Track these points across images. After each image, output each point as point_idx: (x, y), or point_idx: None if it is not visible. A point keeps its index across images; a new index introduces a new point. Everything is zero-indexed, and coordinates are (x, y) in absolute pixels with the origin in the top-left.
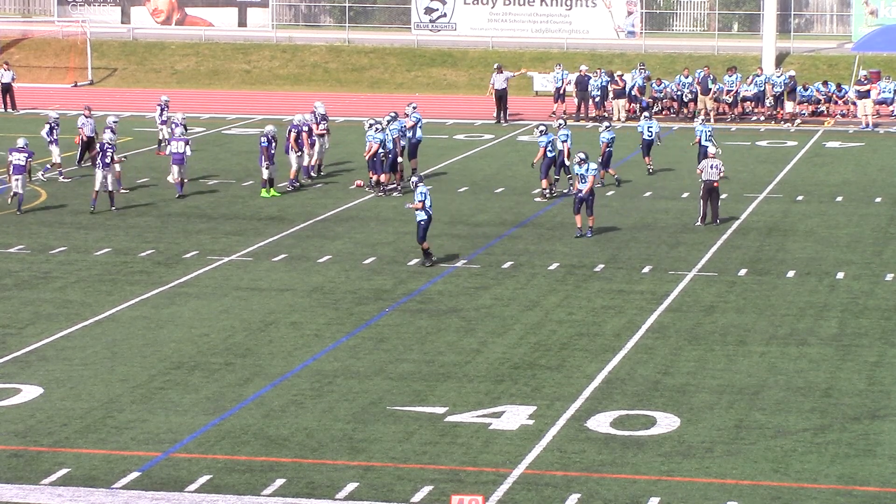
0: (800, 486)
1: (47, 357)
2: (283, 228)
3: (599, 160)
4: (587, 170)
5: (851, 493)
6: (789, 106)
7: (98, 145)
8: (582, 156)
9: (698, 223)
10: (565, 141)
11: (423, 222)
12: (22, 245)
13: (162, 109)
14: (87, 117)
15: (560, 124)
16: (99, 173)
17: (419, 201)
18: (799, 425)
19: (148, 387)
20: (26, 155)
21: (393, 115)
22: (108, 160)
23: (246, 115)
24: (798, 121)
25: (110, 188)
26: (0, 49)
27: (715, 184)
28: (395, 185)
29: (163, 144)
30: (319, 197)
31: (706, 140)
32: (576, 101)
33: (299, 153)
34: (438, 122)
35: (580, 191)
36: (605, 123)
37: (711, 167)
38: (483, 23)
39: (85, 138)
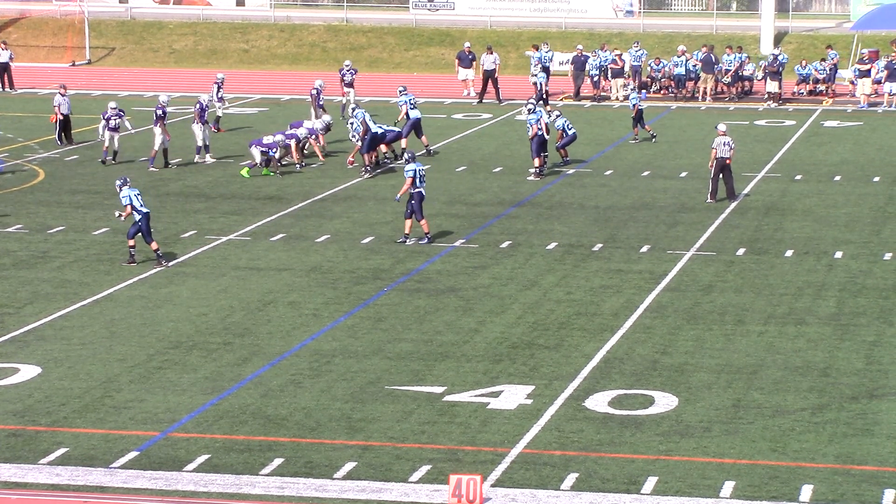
0: (797, 465)
1: (45, 337)
2: (281, 208)
3: (557, 145)
4: (406, 171)
5: (849, 472)
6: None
7: None
8: (407, 155)
9: (709, 200)
10: (536, 123)
11: (139, 222)
12: (20, 224)
13: (219, 87)
14: (62, 95)
15: (531, 106)
16: None
17: (127, 205)
18: (797, 405)
19: (146, 366)
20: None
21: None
22: None
23: (244, 94)
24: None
25: None
26: None
27: (728, 160)
28: (368, 165)
29: (220, 121)
30: (317, 177)
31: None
32: (572, 80)
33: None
34: (436, 102)
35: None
36: (556, 113)
37: (724, 144)
38: (481, 2)
39: (61, 116)
